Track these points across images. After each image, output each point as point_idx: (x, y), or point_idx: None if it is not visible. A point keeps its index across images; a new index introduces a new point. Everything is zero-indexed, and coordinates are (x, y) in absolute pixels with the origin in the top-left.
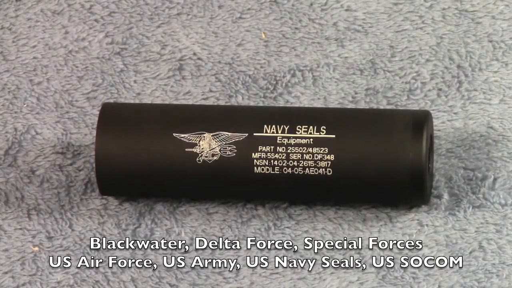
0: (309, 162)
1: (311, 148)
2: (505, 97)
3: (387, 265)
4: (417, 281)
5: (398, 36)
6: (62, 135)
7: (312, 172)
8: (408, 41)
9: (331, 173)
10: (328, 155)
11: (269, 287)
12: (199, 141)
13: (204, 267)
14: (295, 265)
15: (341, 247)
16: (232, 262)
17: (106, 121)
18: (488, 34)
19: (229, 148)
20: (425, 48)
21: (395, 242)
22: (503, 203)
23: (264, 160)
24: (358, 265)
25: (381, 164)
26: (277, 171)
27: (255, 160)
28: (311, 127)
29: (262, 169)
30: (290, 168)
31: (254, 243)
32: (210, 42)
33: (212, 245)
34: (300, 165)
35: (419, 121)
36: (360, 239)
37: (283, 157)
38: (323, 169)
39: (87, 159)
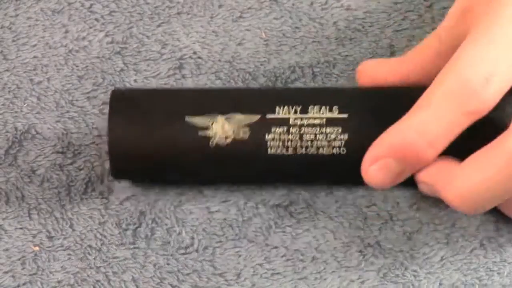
0: (322, 142)
1: (324, 128)
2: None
3: (388, 264)
4: (418, 279)
5: (397, 35)
6: (63, 134)
7: (326, 152)
8: (408, 40)
9: (345, 152)
10: (342, 135)
11: None
12: (211, 124)
13: (205, 267)
14: (296, 265)
15: (342, 246)
16: (233, 262)
17: (117, 107)
18: None
19: (242, 130)
20: None
21: (396, 240)
22: None
23: (277, 141)
24: (359, 264)
25: None
26: (290, 152)
27: (268, 142)
28: (323, 107)
29: (276, 151)
30: (303, 149)
31: (255, 242)
32: (210, 41)
33: (212, 245)
34: (314, 145)
35: None
36: (361, 237)
37: (297, 138)
38: (337, 149)
39: (88, 158)
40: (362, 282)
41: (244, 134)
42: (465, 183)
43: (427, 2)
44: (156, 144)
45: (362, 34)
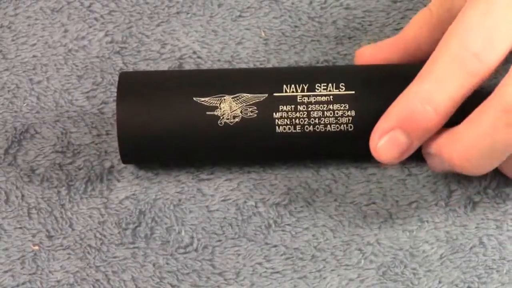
0: (330, 119)
1: (331, 105)
2: None
3: (387, 262)
4: (417, 277)
5: (397, 34)
6: (62, 134)
7: (333, 129)
8: None
9: (352, 128)
10: (349, 111)
11: None
12: (219, 104)
13: (204, 266)
14: (295, 263)
15: (341, 244)
16: (233, 261)
17: (125, 89)
18: None
19: (250, 109)
20: None
21: (395, 238)
22: (504, 198)
23: (285, 120)
24: (358, 262)
25: None
26: (298, 129)
27: (276, 120)
28: (330, 84)
29: (284, 129)
30: (311, 126)
31: (254, 241)
32: (209, 40)
33: (212, 244)
34: (321, 122)
35: None
36: (360, 235)
37: (304, 116)
38: (344, 125)
39: (87, 158)
40: (362, 281)
41: (252, 113)
42: (465, 141)
43: (426, 1)
44: (164, 125)
45: (361, 33)
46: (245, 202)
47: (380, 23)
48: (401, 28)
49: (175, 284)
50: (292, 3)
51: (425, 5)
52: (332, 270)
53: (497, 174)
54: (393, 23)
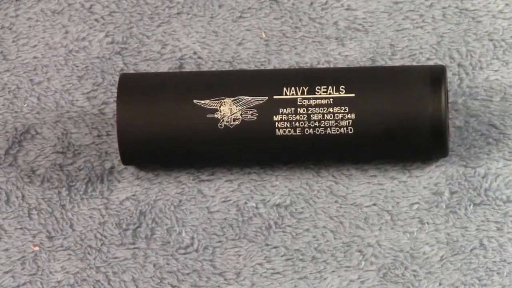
0: (330, 122)
1: (331, 108)
2: (506, 95)
3: (388, 263)
4: (418, 279)
5: (398, 35)
6: (63, 134)
7: (333, 131)
8: (409, 40)
9: (352, 131)
10: (349, 114)
11: None
12: (219, 107)
13: (204, 267)
14: (296, 264)
15: (342, 246)
16: (233, 262)
17: (125, 91)
18: (488, 33)
19: (250, 112)
20: (425, 47)
21: (396, 240)
22: (505, 200)
23: (285, 122)
24: (359, 263)
25: (401, 119)
26: (298, 132)
27: (276, 123)
28: (330, 87)
29: (284, 131)
30: (311, 129)
31: (255, 242)
32: (210, 41)
33: (212, 245)
34: (322, 125)
35: (437, 75)
36: (361, 237)
37: (304, 118)
38: (344, 128)
39: (88, 158)
40: (362, 282)
41: (252, 116)
42: None
43: (428, 2)
44: (164, 127)
45: (363, 34)
46: (245, 203)
47: (382, 24)
48: (403, 29)
49: (176, 284)
50: (293, 4)
51: (427, 6)
52: (333, 271)
53: (497, 176)
54: (394, 24)
